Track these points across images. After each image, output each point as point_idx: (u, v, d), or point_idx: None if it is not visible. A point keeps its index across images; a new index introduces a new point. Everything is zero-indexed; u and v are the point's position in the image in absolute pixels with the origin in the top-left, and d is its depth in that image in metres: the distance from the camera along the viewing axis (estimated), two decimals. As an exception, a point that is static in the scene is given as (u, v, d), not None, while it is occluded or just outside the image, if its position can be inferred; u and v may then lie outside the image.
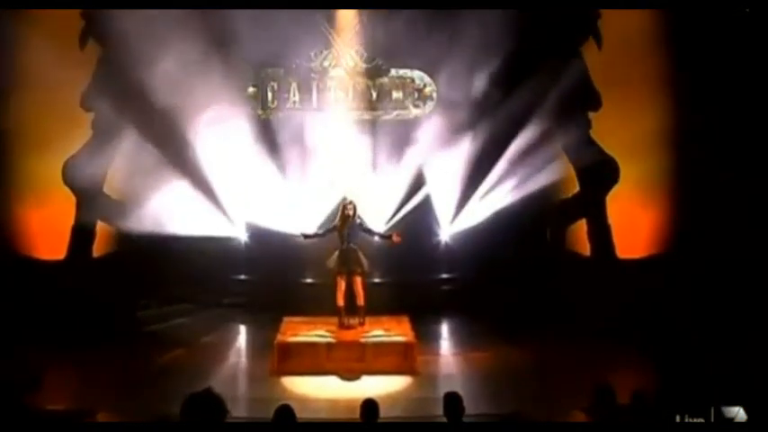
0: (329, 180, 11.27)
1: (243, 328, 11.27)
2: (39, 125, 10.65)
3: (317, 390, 8.45)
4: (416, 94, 11.69)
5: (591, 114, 11.24)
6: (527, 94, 10.98)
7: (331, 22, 11.40)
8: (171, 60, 10.25)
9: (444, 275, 11.84)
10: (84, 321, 10.08)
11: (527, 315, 10.81)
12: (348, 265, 9.51)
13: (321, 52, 11.53)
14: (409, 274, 11.46)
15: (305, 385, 8.55)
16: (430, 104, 11.66)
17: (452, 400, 5.46)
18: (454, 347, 10.30)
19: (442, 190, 11.44)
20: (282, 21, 10.55)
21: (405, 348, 9.05)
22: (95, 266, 11.18)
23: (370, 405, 5.55)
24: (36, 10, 10.40)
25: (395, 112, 11.72)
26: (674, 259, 10.91)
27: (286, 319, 9.91)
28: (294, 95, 11.62)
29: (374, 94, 11.65)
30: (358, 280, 9.57)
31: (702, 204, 10.66)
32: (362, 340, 9.20)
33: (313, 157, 11.33)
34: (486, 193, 11.30)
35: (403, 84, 11.69)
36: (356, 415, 5.60)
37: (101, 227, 11.30)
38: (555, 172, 11.27)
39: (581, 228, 11.50)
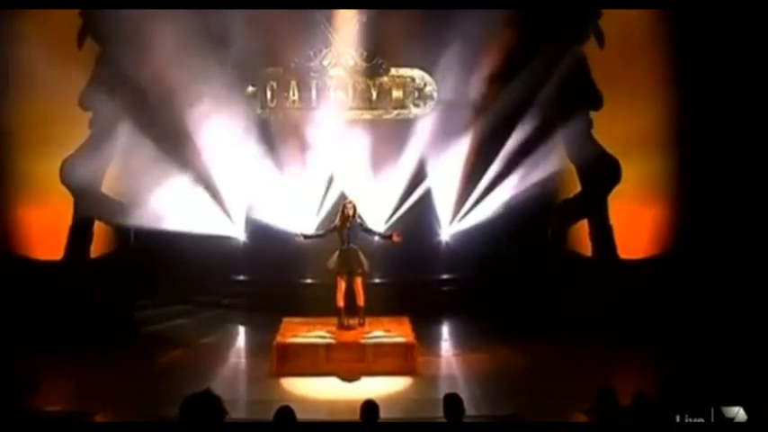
0: (329, 180, 11.23)
1: (242, 329, 11.24)
2: (36, 124, 10.61)
3: (317, 391, 8.41)
4: (416, 94, 11.64)
5: (592, 113, 11.20)
6: (528, 93, 10.96)
7: (330, 20, 11.34)
8: (170, 59, 10.22)
9: (445, 276, 11.81)
10: (81, 322, 10.05)
11: (528, 316, 10.78)
12: (348, 265, 9.47)
13: (321, 51, 11.47)
14: (409, 274, 11.42)
15: (304, 386, 8.51)
16: (430, 104, 11.62)
17: (453, 401, 5.43)
18: (455, 348, 10.24)
19: (443, 190, 11.40)
20: (282, 19, 10.50)
21: (405, 349, 9.01)
22: (93, 267, 11.14)
23: (370, 406, 5.51)
24: (34, 9, 10.37)
25: (395, 112, 11.68)
26: (675, 260, 10.87)
27: (285, 319, 9.88)
28: (293, 95, 11.57)
29: (374, 94, 11.61)
30: (358, 280, 9.54)
31: (705, 204, 10.63)
32: (362, 341, 9.17)
33: (312, 157, 11.29)
34: (487, 192, 11.27)
35: (403, 83, 11.65)
36: (356, 416, 5.57)
37: (99, 227, 11.25)
38: (556, 171, 11.23)
39: (582, 228, 11.46)
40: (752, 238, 10.43)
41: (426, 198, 11.43)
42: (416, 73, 11.63)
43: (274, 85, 11.59)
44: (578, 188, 11.45)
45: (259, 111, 11.58)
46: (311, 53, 11.48)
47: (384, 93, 11.63)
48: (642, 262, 11.10)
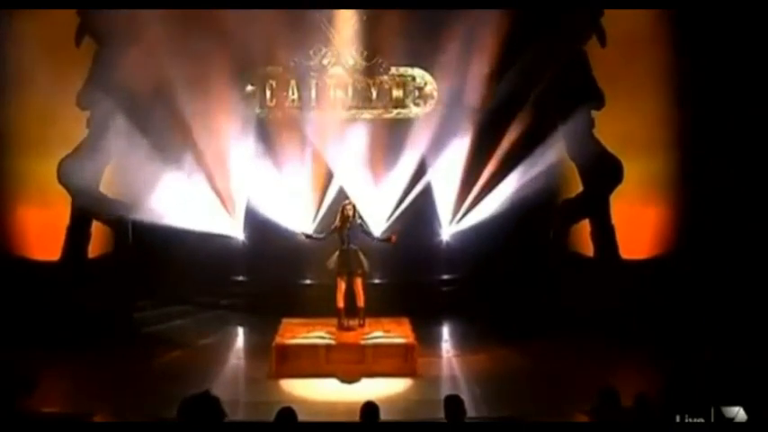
0: (328, 179, 11.18)
1: (241, 330, 11.21)
2: (33, 124, 10.58)
3: (316, 392, 8.39)
4: (417, 93, 11.60)
5: (594, 113, 11.15)
6: (529, 92, 10.92)
7: (330, 19, 11.30)
8: (168, 58, 10.18)
9: (445, 276, 11.77)
10: (79, 323, 10.02)
11: (529, 316, 10.74)
12: (348, 265, 9.45)
13: (320, 50, 11.42)
14: (409, 274, 11.39)
15: (304, 388, 8.49)
16: (430, 103, 11.57)
17: (453, 402, 5.41)
18: (455, 349, 10.21)
19: (443, 189, 11.35)
20: (281, 19, 10.46)
21: (405, 350, 8.99)
22: (91, 267, 11.10)
23: (370, 407, 5.48)
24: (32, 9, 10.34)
25: (395, 111, 11.64)
26: (677, 260, 10.84)
27: (284, 320, 9.87)
28: (293, 94, 11.52)
29: (374, 93, 11.56)
30: (358, 281, 9.52)
31: (706, 204, 10.60)
32: (362, 342, 9.14)
33: (312, 157, 11.25)
34: (488, 192, 11.22)
35: (403, 82, 11.60)
36: (356, 418, 5.53)
37: (97, 227, 11.20)
38: (557, 171, 11.19)
39: (584, 228, 11.41)
40: (754, 238, 10.40)
41: (426, 197, 11.38)
42: (417, 72, 11.58)
43: (273, 84, 11.54)
44: (580, 188, 11.41)
45: (258, 110, 11.52)
46: (311, 52, 11.43)
47: (384, 92, 11.58)
48: (644, 262, 11.06)
